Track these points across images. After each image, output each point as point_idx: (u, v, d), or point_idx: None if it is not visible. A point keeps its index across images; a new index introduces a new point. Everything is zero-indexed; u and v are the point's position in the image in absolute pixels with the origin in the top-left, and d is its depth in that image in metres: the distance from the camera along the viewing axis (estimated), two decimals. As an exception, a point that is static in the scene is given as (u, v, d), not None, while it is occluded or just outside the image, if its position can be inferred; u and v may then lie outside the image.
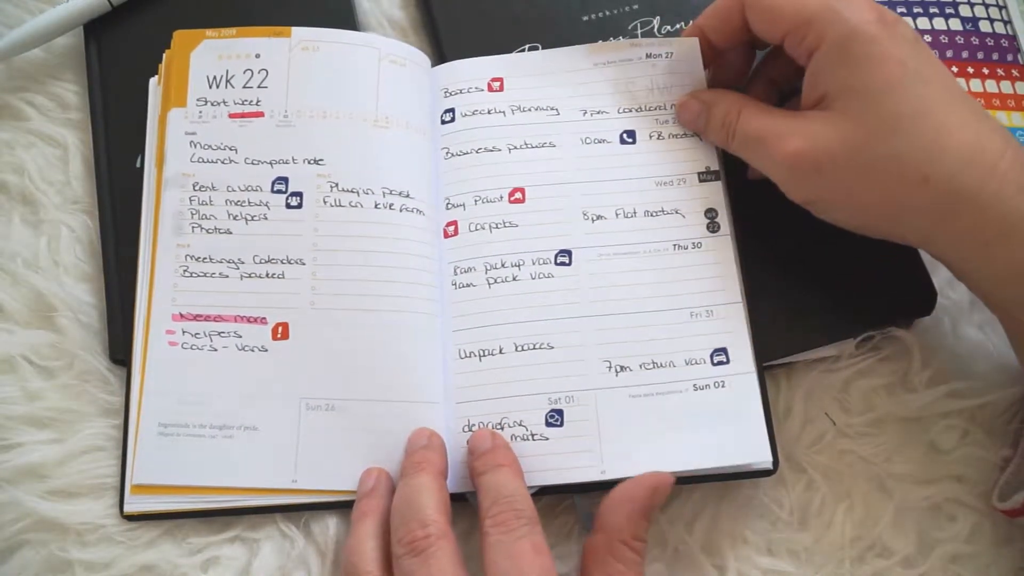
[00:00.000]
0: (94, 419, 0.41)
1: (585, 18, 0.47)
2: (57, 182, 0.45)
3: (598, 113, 0.43)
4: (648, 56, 0.44)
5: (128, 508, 0.38)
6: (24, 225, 0.44)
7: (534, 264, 0.41)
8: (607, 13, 0.47)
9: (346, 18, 0.47)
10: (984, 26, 0.49)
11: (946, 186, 0.34)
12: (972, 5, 0.50)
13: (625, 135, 0.43)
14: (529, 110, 0.43)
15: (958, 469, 0.41)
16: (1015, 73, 0.49)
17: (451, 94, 0.44)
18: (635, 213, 0.41)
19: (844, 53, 0.36)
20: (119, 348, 0.41)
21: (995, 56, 0.49)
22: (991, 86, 0.48)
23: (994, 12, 0.50)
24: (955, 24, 0.49)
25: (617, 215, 0.41)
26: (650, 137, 0.43)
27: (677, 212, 0.41)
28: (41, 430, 0.40)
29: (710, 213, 0.41)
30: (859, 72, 0.36)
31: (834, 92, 0.36)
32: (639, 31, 0.46)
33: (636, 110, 0.43)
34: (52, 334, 0.42)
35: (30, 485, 0.39)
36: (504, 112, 0.43)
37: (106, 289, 0.42)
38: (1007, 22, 0.50)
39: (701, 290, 0.40)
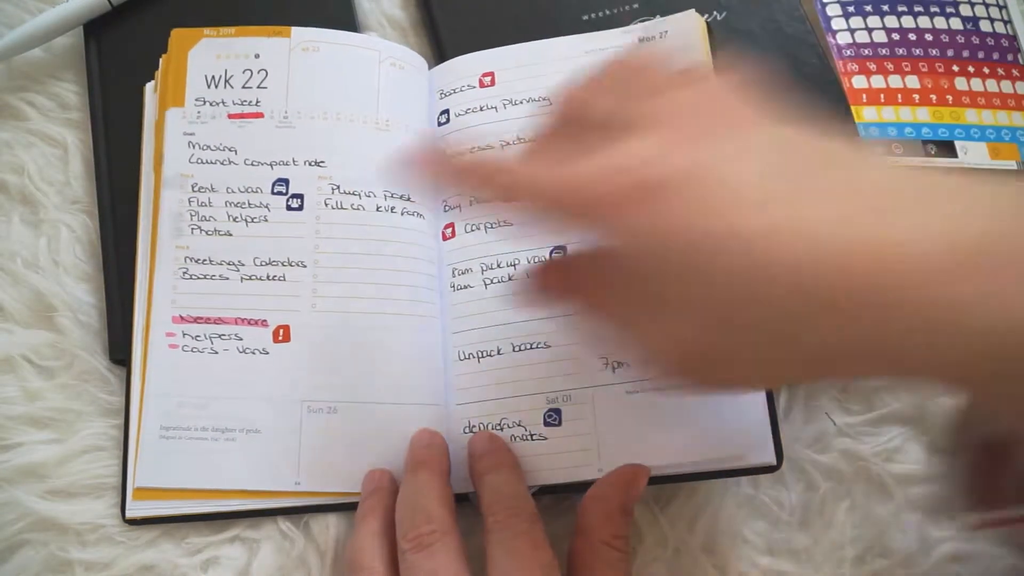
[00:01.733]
0: (94, 419, 0.41)
1: (585, 17, 0.47)
2: (57, 182, 0.45)
3: None
4: (640, 41, 0.42)
5: (130, 513, 0.38)
6: (24, 225, 0.44)
7: (529, 262, 0.41)
8: (607, 12, 0.47)
9: (346, 18, 0.47)
10: (984, 26, 0.49)
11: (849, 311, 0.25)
12: (972, 5, 0.50)
13: None
14: (520, 102, 0.43)
15: (958, 469, 0.41)
16: (1015, 73, 0.49)
17: (446, 95, 0.44)
18: None
19: (618, 263, 0.29)
20: (119, 348, 0.41)
21: (995, 56, 0.49)
22: (991, 86, 0.48)
23: (994, 12, 0.50)
24: (955, 24, 0.49)
25: None
26: None
27: None
28: (41, 430, 0.40)
29: None
30: (646, 280, 0.28)
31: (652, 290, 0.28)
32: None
33: None
34: (52, 334, 0.42)
35: (30, 485, 0.39)
36: (496, 108, 0.43)
37: (106, 289, 0.42)
38: (1007, 22, 0.50)
39: None
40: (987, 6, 0.50)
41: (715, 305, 0.27)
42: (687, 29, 0.41)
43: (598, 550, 0.34)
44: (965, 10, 0.50)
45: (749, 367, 0.28)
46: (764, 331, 0.26)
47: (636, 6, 0.47)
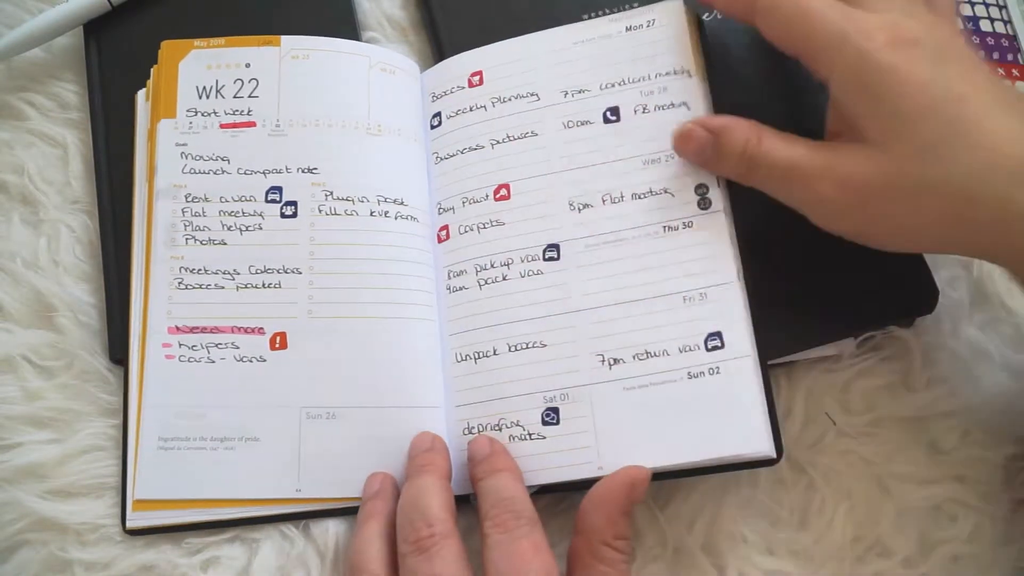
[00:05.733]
0: (94, 419, 0.41)
1: (585, 16, 0.46)
2: (57, 182, 0.45)
3: (580, 92, 0.42)
4: (628, 29, 0.42)
5: (131, 524, 0.38)
6: (24, 225, 0.44)
7: (523, 262, 0.41)
8: (607, 12, 0.46)
9: (346, 18, 0.47)
10: (984, 26, 0.49)
11: (997, 204, 0.33)
12: (972, 5, 0.50)
13: (609, 113, 0.42)
14: (509, 99, 0.43)
15: (959, 469, 0.41)
16: (1015, 73, 0.48)
17: (437, 97, 0.44)
18: (622, 197, 0.40)
19: (860, 85, 0.34)
20: (119, 348, 0.41)
21: (995, 56, 0.49)
22: (992, 85, 0.48)
23: (994, 12, 0.50)
24: (955, 23, 0.49)
25: (604, 201, 0.40)
26: (635, 112, 0.41)
27: (666, 191, 0.40)
28: (41, 430, 0.40)
29: (700, 189, 0.40)
30: (881, 103, 0.34)
31: (861, 123, 0.35)
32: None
33: (619, 83, 0.42)
34: (52, 334, 0.42)
35: (30, 485, 0.39)
36: (485, 107, 0.43)
37: (106, 289, 0.42)
38: (1007, 22, 0.50)
39: (693, 272, 0.39)
40: (987, 6, 0.50)
41: (914, 149, 0.33)
42: (672, 17, 0.42)
43: (599, 551, 0.34)
44: (965, 10, 0.50)
45: (906, 219, 0.35)
46: (943, 192, 0.33)
47: (636, 5, 0.47)
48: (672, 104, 0.41)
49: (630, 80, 0.42)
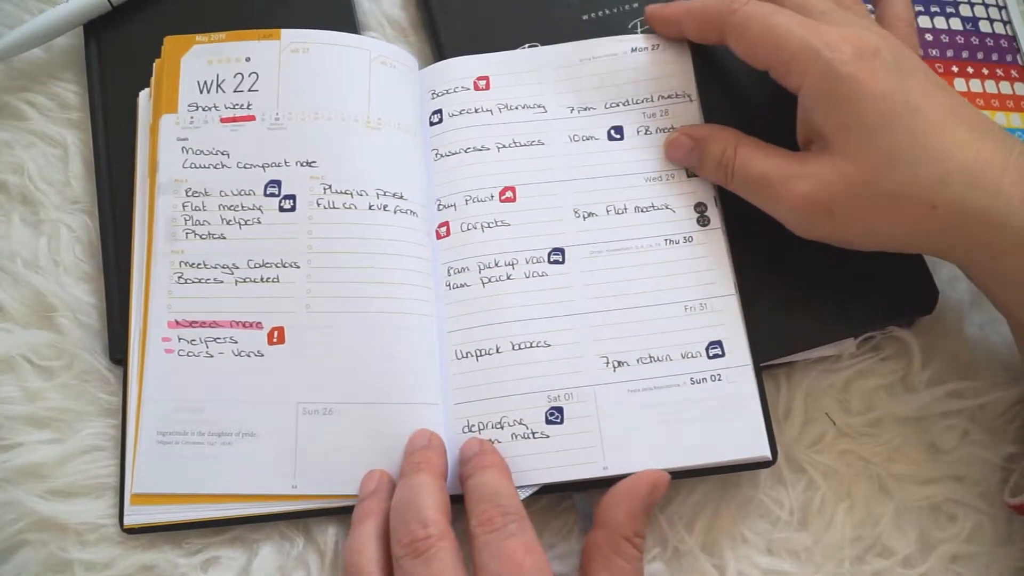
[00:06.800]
0: (94, 419, 0.41)
1: (585, 17, 0.47)
2: (57, 182, 0.45)
3: (585, 109, 0.44)
4: (633, 50, 0.44)
5: (128, 520, 0.38)
6: (24, 225, 0.44)
7: (527, 263, 0.41)
8: (607, 12, 0.47)
9: (346, 18, 0.47)
10: (984, 26, 0.49)
11: (954, 209, 0.35)
12: (972, 5, 0.50)
13: (613, 131, 0.43)
14: (516, 108, 0.44)
15: (958, 469, 0.41)
16: (1015, 73, 0.49)
17: (438, 95, 0.44)
18: (626, 209, 0.42)
19: (828, 94, 0.36)
20: (119, 348, 0.41)
21: (995, 56, 0.49)
22: (991, 86, 0.48)
23: (994, 12, 0.50)
24: (955, 24, 0.49)
25: (608, 212, 0.42)
26: (637, 133, 0.43)
27: (667, 207, 0.42)
28: (41, 430, 0.40)
29: (699, 207, 0.42)
30: (846, 112, 0.36)
31: (827, 132, 0.37)
32: (639, 29, 0.46)
33: (623, 104, 0.43)
34: (52, 334, 0.42)
35: (30, 485, 0.39)
36: (491, 111, 0.44)
37: (106, 289, 0.42)
38: (1007, 22, 0.50)
39: (694, 284, 0.40)
40: (987, 6, 0.50)
41: (876, 159, 0.35)
42: (676, 44, 0.44)
43: (619, 544, 0.35)
44: (965, 10, 0.50)
45: (873, 224, 0.37)
46: (906, 200, 0.35)
47: (636, 5, 0.47)
48: (672, 127, 0.43)
49: (633, 101, 0.44)
